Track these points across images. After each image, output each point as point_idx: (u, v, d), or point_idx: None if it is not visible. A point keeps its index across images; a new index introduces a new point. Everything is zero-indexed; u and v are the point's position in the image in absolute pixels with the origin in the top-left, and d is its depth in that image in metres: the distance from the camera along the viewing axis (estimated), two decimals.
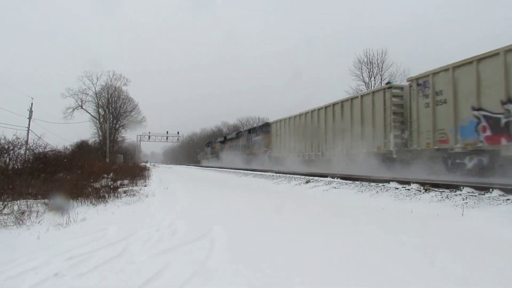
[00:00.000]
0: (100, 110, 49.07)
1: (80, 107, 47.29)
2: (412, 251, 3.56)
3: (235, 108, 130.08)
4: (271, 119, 29.07)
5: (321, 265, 3.18)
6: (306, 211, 6.41)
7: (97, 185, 10.00)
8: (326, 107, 17.93)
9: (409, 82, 12.99)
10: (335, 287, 2.69)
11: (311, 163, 19.09)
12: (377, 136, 14.08)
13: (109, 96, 49.09)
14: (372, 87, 33.24)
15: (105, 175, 12.78)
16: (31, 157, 12.01)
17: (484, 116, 9.85)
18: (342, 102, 16.64)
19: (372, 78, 36.73)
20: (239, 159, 33.31)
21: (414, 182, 7.80)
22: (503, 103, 9.25)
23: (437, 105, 11.48)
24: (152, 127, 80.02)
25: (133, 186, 11.42)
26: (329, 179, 11.00)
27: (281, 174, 14.98)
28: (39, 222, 5.55)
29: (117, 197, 8.49)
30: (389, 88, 13.83)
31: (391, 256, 3.41)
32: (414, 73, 13.60)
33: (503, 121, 9.26)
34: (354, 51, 71.14)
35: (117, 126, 50.18)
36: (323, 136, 17.92)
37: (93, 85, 48.12)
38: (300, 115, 20.79)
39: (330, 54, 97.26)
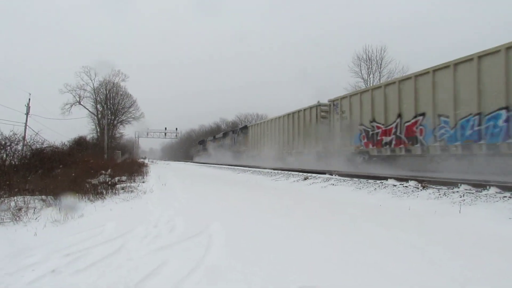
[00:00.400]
0: (98, 106, 49.11)
1: (78, 103, 47.26)
2: (410, 248, 3.56)
3: (233, 104, 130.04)
4: (269, 115, 30.11)
5: (319, 262, 3.19)
6: (304, 208, 6.42)
7: (95, 181, 9.98)
8: (288, 115, 22.47)
9: (330, 102, 18.01)
10: (333, 284, 2.70)
11: (280, 160, 22.76)
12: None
13: (107, 92, 49.06)
14: (371, 84, 33.28)
15: (103, 171, 12.75)
16: (28, 153, 11.97)
17: (364, 129, 15.18)
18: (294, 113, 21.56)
19: (371, 75, 36.79)
20: (225, 156, 37.46)
21: (411, 179, 7.82)
22: (370, 122, 14.68)
23: (342, 120, 16.74)
24: (151, 124, 79.85)
25: (131, 183, 11.40)
26: (327, 176, 11.02)
27: (279, 171, 15.00)
28: (36, 218, 5.53)
29: (115, 193, 8.47)
30: (318, 105, 18.99)
31: (389, 253, 3.42)
32: (413, 70, 14.59)
33: (370, 133, 14.74)
34: (353, 48, 71.33)
35: (115, 122, 50.14)
36: (288, 138, 22.30)
37: (91, 80, 48.12)
38: (266, 121, 26.98)
39: (331, 51, 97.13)
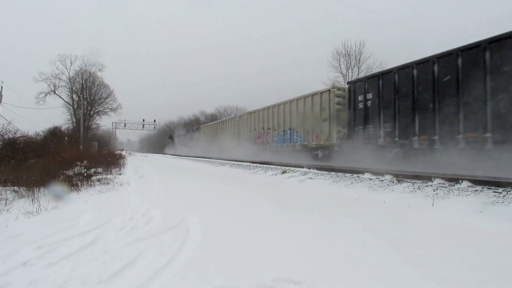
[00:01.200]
0: (74, 96, 47.84)
1: (53, 92, 45.95)
2: (384, 240, 3.63)
3: (214, 96, 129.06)
4: (249, 108, 31.69)
5: (295, 254, 3.21)
6: (281, 201, 6.45)
7: (70, 172, 9.77)
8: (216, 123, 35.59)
9: (237, 116, 29.04)
10: (308, 275, 2.72)
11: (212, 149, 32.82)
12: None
13: (83, 81, 47.88)
14: (350, 79, 33.62)
15: (79, 163, 12.49)
16: (0, 143, 11.61)
17: (254, 133, 24.47)
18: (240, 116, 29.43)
19: (350, 70, 37.18)
20: (185, 149, 45.19)
21: (387, 174, 7.97)
22: (254, 130, 24.53)
23: (245, 127, 26.81)
24: (129, 115, 78.67)
25: (107, 175, 11.22)
26: (305, 169, 11.12)
27: (257, 165, 15.04)
28: (7, 210, 5.39)
29: (91, 185, 8.32)
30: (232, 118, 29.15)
31: (365, 245, 3.47)
32: (392, 65, 14.46)
33: (256, 135, 24.38)
34: (332, 42, 71.75)
35: (92, 112, 49.05)
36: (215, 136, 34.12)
37: (67, 69, 46.82)
38: (211, 124, 38.53)
39: (309, 43, 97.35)
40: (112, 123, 61.59)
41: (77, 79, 47.52)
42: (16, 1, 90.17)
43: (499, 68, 9.01)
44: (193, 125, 57.43)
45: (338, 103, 15.62)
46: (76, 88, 47.77)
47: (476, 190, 5.65)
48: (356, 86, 14.31)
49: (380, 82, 12.95)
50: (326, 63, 39.00)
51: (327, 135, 16.14)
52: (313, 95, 17.23)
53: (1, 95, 26.76)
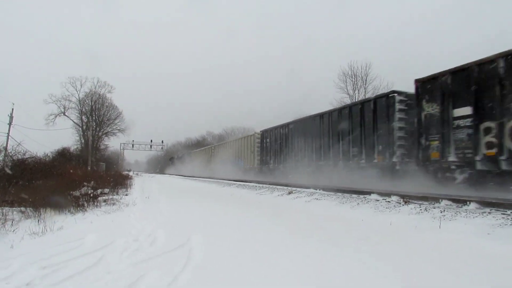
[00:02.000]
0: (83, 117, 48.53)
1: (62, 114, 46.66)
2: (390, 263, 3.59)
3: (220, 117, 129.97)
4: (256, 128, 32.67)
5: (299, 278, 3.18)
6: (286, 223, 6.40)
7: (76, 193, 9.83)
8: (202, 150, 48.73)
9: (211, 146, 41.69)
10: None
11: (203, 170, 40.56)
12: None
13: (92, 103, 48.62)
14: (357, 99, 33.79)
15: (86, 183, 12.56)
16: (10, 164, 11.75)
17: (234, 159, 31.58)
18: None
19: (356, 91, 37.36)
20: (182, 170, 55.61)
21: (394, 195, 7.90)
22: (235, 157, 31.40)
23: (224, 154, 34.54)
24: (136, 136, 79.24)
25: (114, 195, 11.25)
26: (311, 190, 11.06)
27: (264, 185, 15.00)
28: (13, 230, 5.42)
29: (97, 206, 8.35)
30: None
31: (370, 268, 3.43)
32: (397, 87, 14.42)
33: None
34: (339, 63, 72.43)
35: (100, 133, 49.61)
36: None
37: (77, 91, 47.69)
38: (199, 150, 51.87)
39: (318, 63, 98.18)
40: (120, 144, 62.24)
41: (87, 101, 48.36)
42: (26, 23, 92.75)
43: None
44: (193, 148, 67.01)
45: (258, 143, 25.71)
46: (85, 109, 48.54)
47: (484, 212, 5.58)
48: (263, 133, 24.68)
49: (271, 132, 23.14)
50: (333, 84, 39.14)
51: (253, 162, 26.53)
52: (246, 137, 29.41)
53: (12, 117, 27.24)
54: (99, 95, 48.67)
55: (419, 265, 3.51)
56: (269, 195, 11.98)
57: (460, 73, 9.86)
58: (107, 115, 50.03)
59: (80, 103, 48.00)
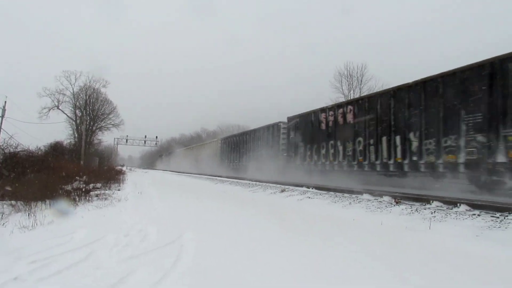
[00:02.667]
0: (77, 111, 48.16)
1: (56, 108, 46.28)
2: (380, 263, 3.61)
3: (216, 114, 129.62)
4: (251, 126, 32.84)
5: (291, 278, 3.19)
6: (279, 221, 6.41)
7: (68, 187, 9.76)
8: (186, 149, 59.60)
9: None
10: None
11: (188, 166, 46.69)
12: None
13: (87, 97, 48.26)
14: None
15: (78, 178, 12.49)
16: (1, 157, 11.63)
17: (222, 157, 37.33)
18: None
19: (352, 91, 37.49)
20: (170, 166, 63.96)
21: (386, 195, 7.95)
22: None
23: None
24: (131, 131, 78.75)
25: (106, 190, 11.20)
26: (304, 188, 11.10)
27: (257, 182, 15.02)
28: (3, 224, 5.37)
29: (88, 200, 8.30)
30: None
31: (362, 268, 3.45)
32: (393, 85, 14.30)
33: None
34: (334, 63, 72.47)
35: (94, 128, 49.29)
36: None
37: (71, 85, 47.27)
38: (183, 149, 63.08)
39: (313, 62, 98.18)
40: (114, 138, 61.87)
41: (81, 95, 47.96)
42: (21, 16, 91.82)
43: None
44: (186, 145, 71.55)
45: (220, 147, 35.69)
46: (79, 103, 48.15)
47: (474, 214, 5.63)
48: (222, 140, 35.40)
49: (226, 140, 33.92)
50: (328, 84, 39.26)
51: (219, 161, 35.37)
52: (213, 141, 41.56)
53: (5, 110, 27.00)
54: (94, 89, 48.32)
55: (410, 265, 3.53)
56: (262, 192, 12.00)
57: (302, 117, 19.01)
58: (101, 109, 49.68)
59: (74, 97, 47.63)
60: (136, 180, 19.86)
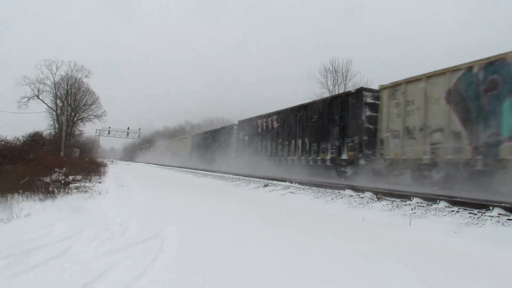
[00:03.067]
0: (58, 101, 47.10)
1: (36, 97, 45.15)
2: (361, 258, 3.64)
3: (200, 107, 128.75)
4: (234, 120, 32.55)
5: (272, 271, 3.18)
6: (261, 216, 6.40)
7: (47, 179, 9.55)
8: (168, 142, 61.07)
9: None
10: None
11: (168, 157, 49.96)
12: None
13: (68, 87, 47.22)
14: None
15: (58, 169, 12.23)
16: None
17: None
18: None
19: (337, 87, 37.69)
20: (150, 159, 61.06)
21: (367, 191, 8.02)
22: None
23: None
24: (113, 122, 77.73)
25: (87, 182, 11.00)
26: (287, 183, 11.12)
27: (240, 177, 15.00)
28: None
29: (68, 193, 8.13)
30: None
31: (342, 263, 3.47)
32: (376, 84, 15.46)
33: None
34: (316, 59, 72.82)
35: (75, 119, 48.35)
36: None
37: (52, 75, 46.14)
38: (163, 142, 64.53)
39: (300, 57, 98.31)
40: (96, 130, 60.95)
41: (62, 85, 46.85)
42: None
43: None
44: (168, 137, 72.25)
45: (191, 142, 39.93)
46: (60, 93, 47.08)
47: (453, 211, 5.73)
48: (193, 137, 39.66)
49: (196, 137, 39.16)
50: (314, 79, 39.51)
51: (191, 154, 38.98)
52: (185, 137, 45.11)
53: None
54: (76, 79, 47.29)
55: (390, 261, 3.57)
56: (245, 187, 11.99)
57: (247, 121, 24.13)
58: (83, 100, 48.69)
59: (55, 87, 46.52)
60: (117, 173, 19.59)
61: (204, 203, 7.96)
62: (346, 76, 37.41)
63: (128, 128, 67.58)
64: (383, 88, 12.29)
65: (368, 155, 12.85)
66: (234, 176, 15.58)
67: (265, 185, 11.19)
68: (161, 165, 40.97)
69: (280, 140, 19.32)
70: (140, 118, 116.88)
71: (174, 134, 70.18)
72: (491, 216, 5.21)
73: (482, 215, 5.32)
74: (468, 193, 8.30)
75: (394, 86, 11.77)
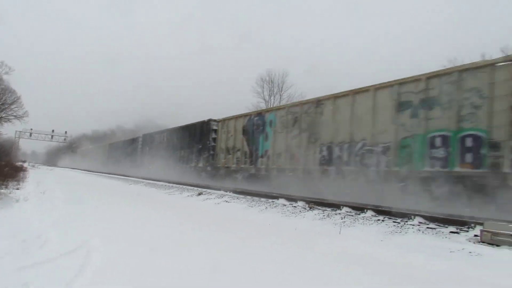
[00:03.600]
0: None
1: None
2: (293, 267, 3.67)
3: (135, 113, 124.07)
4: (168, 125, 31.67)
5: (204, 281, 3.09)
6: (194, 225, 6.25)
7: None
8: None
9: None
10: None
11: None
12: None
13: None
14: (272, 105, 34.86)
15: None
16: None
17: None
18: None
19: (272, 97, 38.51)
20: (76, 164, 58.30)
21: (300, 200, 8.20)
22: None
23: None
24: (36, 124, 72.16)
25: (2, 189, 10.05)
26: (222, 192, 11.04)
27: (173, 185, 14.64)
28: None
29: None
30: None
31: (274, 271, 3.47)
32: (309, 96, 16.32)
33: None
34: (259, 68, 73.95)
35: None
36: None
37: None
38: (89, 148, 60.99)
39: (243, 65, 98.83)
40: (16, 131, 56.25)
41: None
42: None
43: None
44: (97, 142, 68.80)
45: (108, 149, 40.74)
46: None
47: (379, 220, 6.04)
48: (110, 144, 42.13)
49: (113, 144, 40.91)
50: (251, 88, 39.89)
51: (105, 160, 40.46)
52: (105, 144, 47.10)
53: None
54: None
55: (320, 269, 3.63)
56: (179, 195, 11.71)
57: (148, 135, 28.91)
58: (2, 98, 44.67)
59: None
60: (39, 178, 18.17)
61: (134, 213, 7.61)
62: (282, 87, 38.42)
63: (53, 130, 63.20)
64: (219, 121, 18.03)
65: (213, 163, 17.97)
66: (167, 184, 15.16)
67: (199, 194, 11.02)
68: (86, 170, 39.46)
69: (169, 151, 23.42)
70: (68, 121, 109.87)
71: (104, 138, 66.87)
72: (413, 225, 5.58)
73: (405, 223, 5.67)
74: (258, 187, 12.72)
75: (223, 120, 17.65)
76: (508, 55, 7.89)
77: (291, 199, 8.61)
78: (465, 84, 7.97)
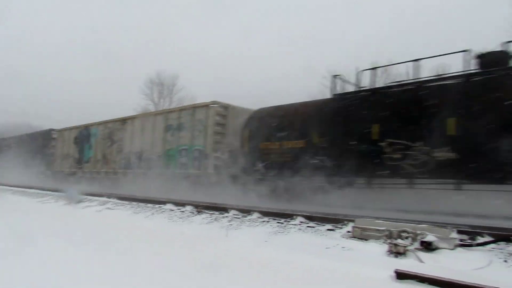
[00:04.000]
0: None
1: None
2: (179, 274, 3.58)
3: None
4: (46, 126, 28.69)
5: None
6: (72, 236, 5.66)
7: None
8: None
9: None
10: None
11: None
12: None
13: None
14: (163, 107, 33.99)
15: None
16: None
17: None
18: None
19: (162, 99, 37.53)
20: None
21: (188, 204, 8.09)
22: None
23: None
24: None
25: None
26: (104, 198, 10.37)
27: (48, 192, 13.26)
28: None
29: None
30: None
31: (157, 280, 3.35)
32: (200, 100, 16.58)
33: None
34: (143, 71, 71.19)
35: None
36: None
37: None
38: None
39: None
40: None
41: None
42: None
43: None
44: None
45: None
46: None
47: (264, 221, 6.27)
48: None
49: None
50: (139, 90, 37.98)
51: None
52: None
53: None
54: None
55: (202, 273, 3.60)
56: (54, 203, 10.64)
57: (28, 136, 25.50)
58: None
59: None
60: None
61: None
62: (173, 90, 37.72)
63: None
64: (58, 130, 20.89)
65: (52, 168, 20.84)
66: (40, 192, 13.66)
67: (78, 201, 10.15)
68: None
69: (17, 157, 23.56)
70: None
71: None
72: (295, 224, 5.91)
73: (287, 223, 5.97)
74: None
75: (61, 130, 20.59)
76: (215, 100, 11.96)
77: (179, 203, 8.44)
78: (196, 116, 12.44)
